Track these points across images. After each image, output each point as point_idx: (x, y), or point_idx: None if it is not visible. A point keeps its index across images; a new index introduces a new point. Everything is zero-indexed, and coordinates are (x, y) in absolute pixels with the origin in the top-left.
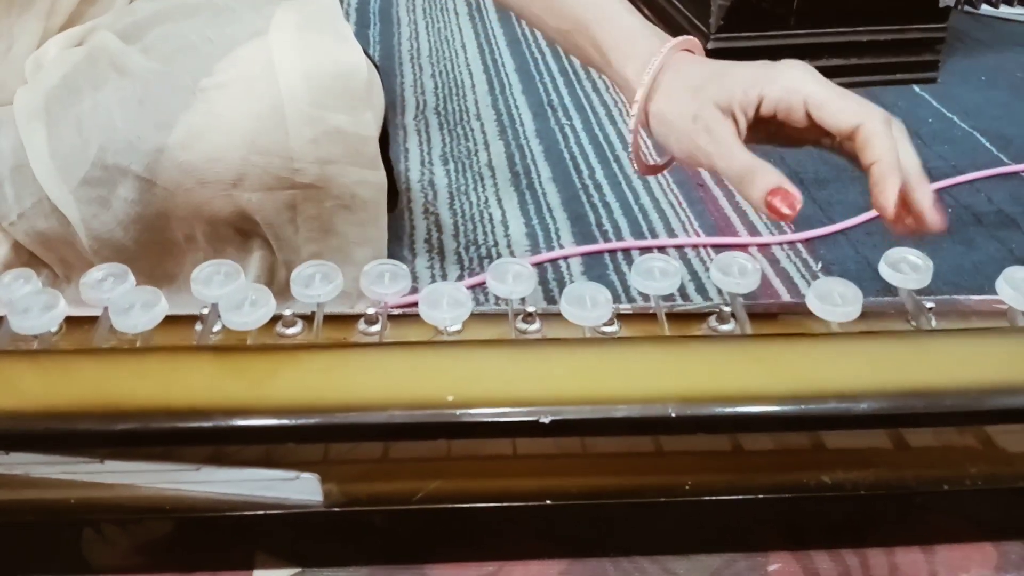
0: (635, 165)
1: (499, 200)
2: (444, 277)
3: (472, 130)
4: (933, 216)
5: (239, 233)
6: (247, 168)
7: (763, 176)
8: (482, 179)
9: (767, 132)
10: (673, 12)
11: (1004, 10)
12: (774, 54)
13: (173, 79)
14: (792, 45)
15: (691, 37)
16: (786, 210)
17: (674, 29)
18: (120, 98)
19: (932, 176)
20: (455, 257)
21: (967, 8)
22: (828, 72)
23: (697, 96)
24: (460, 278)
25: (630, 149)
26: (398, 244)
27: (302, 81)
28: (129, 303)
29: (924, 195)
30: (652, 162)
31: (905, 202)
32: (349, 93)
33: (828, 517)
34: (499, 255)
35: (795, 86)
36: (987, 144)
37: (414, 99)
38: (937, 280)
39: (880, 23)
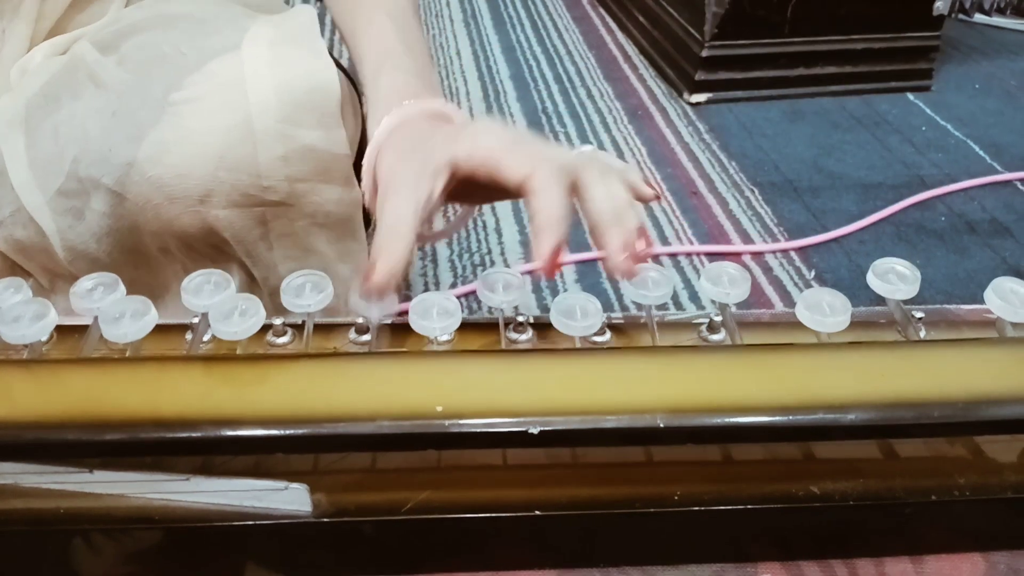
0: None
1: (492, 207)
2: (437, 285)
3: None
4: (617, 263)
5: (213, 248)
6: (215, 184)
7: (376, 244)
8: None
9: (473, 189)
10: (668, 20)
11: (997, 19)
12: (769, 62)
13: (145, 91)
14: (787, 53)
15: (445, 104)
16: (363, 285)
17: (669, 37)
18: (95, 109)
19: (925, 184)
20: (448, 265)
21: (961, 16)
22: (822, 80)
23: (404, 160)
24: (453, 286)
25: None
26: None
27: (273, 96)
28: (119, 312)
29: (612, 240)
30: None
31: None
32: (322, 110)
33: (817, 527)
34: (492, 262)
35: (476, 143)
36: (980, 152)
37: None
38: (930, 288)
39: (874, 31)
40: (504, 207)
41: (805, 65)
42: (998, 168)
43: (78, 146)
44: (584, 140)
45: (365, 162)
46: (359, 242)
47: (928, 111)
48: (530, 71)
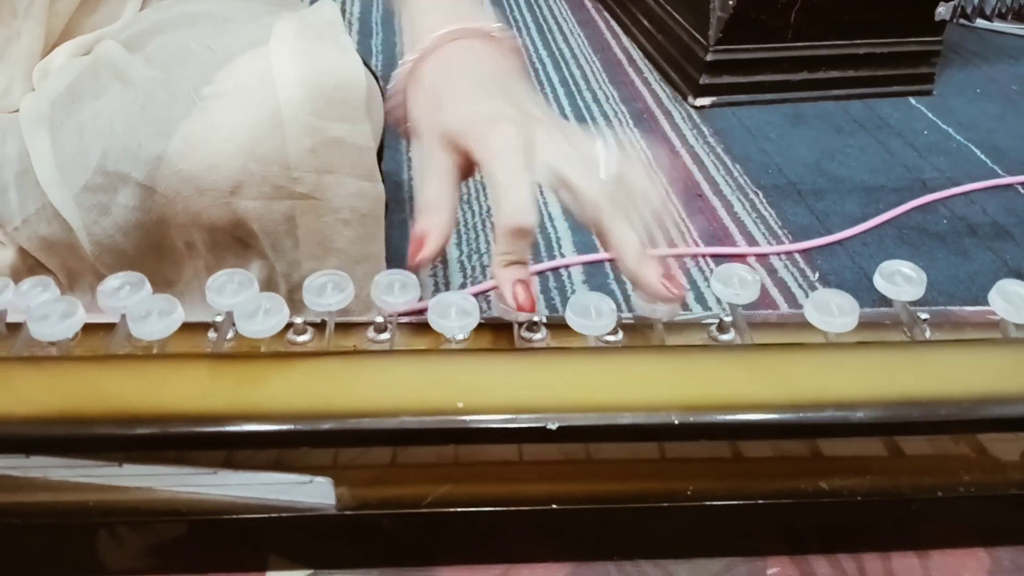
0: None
1: None
2: (447, 285)
3: None
4: (659, 293)
5: (238, 242)
6: (245, 176)
7: (423, 218)
8: (482, 189)
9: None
10: (673, 24)
11: (999, 23)
12: (773, 66)
13: (173, 87)
14: (790, 57)
15: (499, 26)
16: (411, 256)
17: (674, 41)
18: (122, 105)
19: (927, 187)
20: (458, 265)
21: (962, 21)
22: (825, 84)
23: (435, 111)
24: (463, 285)
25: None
26: (401, 252)
27: (300, 90)
28: (146, 311)
29: (649, 276)
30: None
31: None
32: (348, 104)
33: (826, 523)
34: None
35: (492, 148)
36: (982, 156)
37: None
38: (932, 290)
39: (877, 36)
40: None
41: (808, 69)
42: (999, 172)
43: (105, 142)
44: None
45: (392, 92)
46: (378, 244)
47: (930, 115)
48: (536, 74)
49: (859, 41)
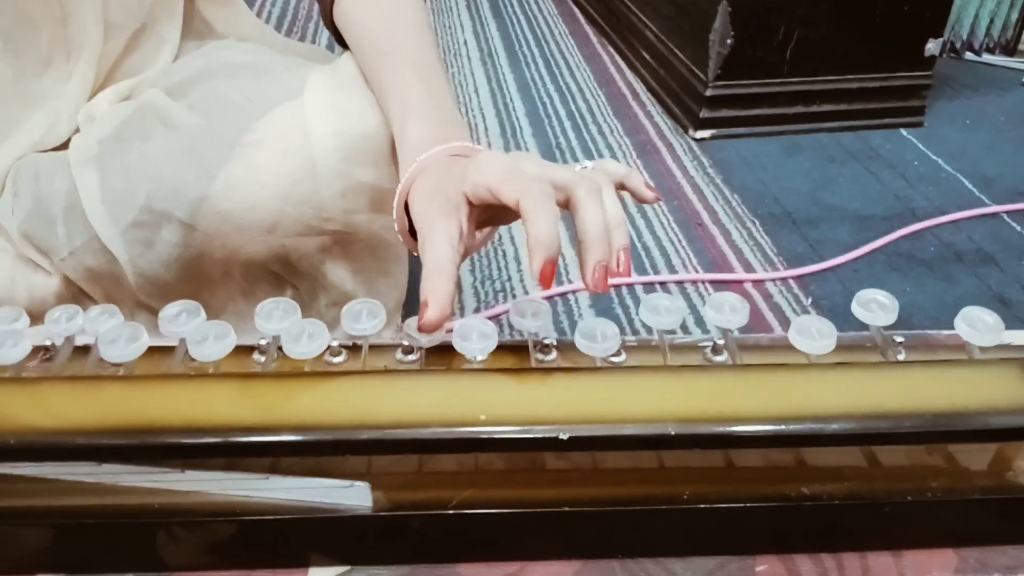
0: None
1: (511, 238)
2: (462, 310)
3: None
4: (588, 280)
5: (271, 274)
6: (281, 217)
7: (426, 283)
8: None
9: (499, 212)
10: (674, 60)
11: (987, 56)
12: (769, 100)
13: (216, 134)
14: (786, 92)
15: (469, 145)
16: (420, 323)
17: (675, 76)
18: (167, 149)
19: (916, 216)
20: (472, 291)
21: (951, 55)
22: (819, 117)
23: (427, 206)
24: (477, 310)
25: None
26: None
27: (333, 139)
28: (203, 335)
29: (589, 256)
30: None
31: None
32: (374, 151)
33: (808, 524)
34: (512, 289)
35: (478, 177)
36: (969, 185)
37: None
38: (920, 314)
39: (869, 71)
40: (522, 238)
41: (803, 103)
42: (986, 200)
43: (151, 183)
44: None
45: (395, 210)
46: (402, 266)
47: (920, 146)
48: (544, 108)
49: (852, 76)
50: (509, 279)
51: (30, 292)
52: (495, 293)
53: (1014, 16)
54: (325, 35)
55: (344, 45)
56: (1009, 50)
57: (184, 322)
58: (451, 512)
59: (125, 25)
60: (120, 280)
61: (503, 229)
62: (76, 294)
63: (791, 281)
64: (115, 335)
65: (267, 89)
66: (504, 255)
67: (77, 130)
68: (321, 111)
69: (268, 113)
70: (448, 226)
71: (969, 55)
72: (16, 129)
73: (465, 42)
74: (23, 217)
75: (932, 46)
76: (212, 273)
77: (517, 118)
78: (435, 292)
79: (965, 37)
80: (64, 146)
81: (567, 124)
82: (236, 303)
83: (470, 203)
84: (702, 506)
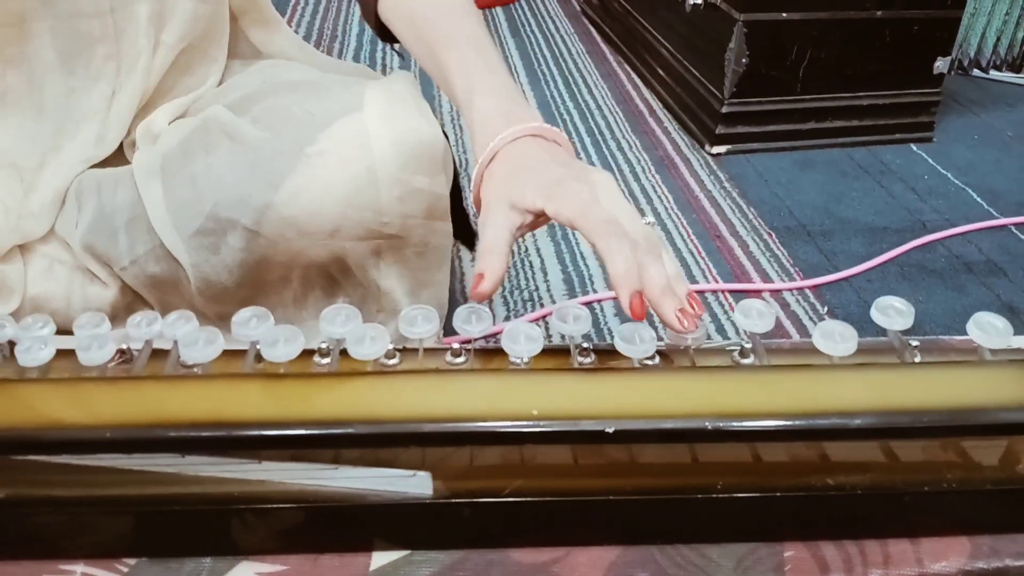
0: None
1: (537, 250)
2: (493, 317)
3: None
4: (675, 321)
5: (326, 276)
6: (343, 221)
7: (482, 259)
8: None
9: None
10: (690, 78)
11: (994, 73)
12: (783, 117)
13: (279, 145)
14: (799, 109)
15: (548, 127)
16: (473, 292)
17: (691, 94)
18: (232, 161)
19: (927, 228)
20: (501, 301)
21: (959, 72)
22: (832, 133)
23: (500, 190)
24: (507, 318)
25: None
26: (453, 290)
27: (392, 149)
28: (274, 338)
29: (667, 309)
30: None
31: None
32: (429, 160)
33: (832, 513)
34: (540, 298)
35: (561, 208)
36: (978, 199)
37: (456, 158)
38: (931, 322)
39: (879, 88)
40: (548, 250)
41: (816, 119)
42: (994, 213)
43: (217, 192)
44: None
45: (473, 182)
46: (444, 274)
47: (930, 160)
48: (564, 125)
49: (863, 93)
50: (536, 289)
51: (85, 303)
52: (523, 302)
53: (1020, 34)
54: (349, 53)
55: (384, 37)
56: (1016, 67)
57: (255, 326)
58: (503, 500)
59: (174, 45)
60: (178, 286)
61: (530, 243)
62: (129, 304)
63: (807, 291)
64: (194, 338)
65: (327, 104)
66: (531, 266)
67: (133, 144)
68: (380, 123)
69: (329, 126)
70: (511, 216)
71: (977, 72)
72: (68, 142)
73: None
74: (85, 229)
75: (941, 64)
76: (270, 278)
77: None
78: (491, 267)
79: (973, 55)
80: (117, 159)
81: (587, 140)
82: (287, 310)
83: (540, 214)
84: (734, 496)
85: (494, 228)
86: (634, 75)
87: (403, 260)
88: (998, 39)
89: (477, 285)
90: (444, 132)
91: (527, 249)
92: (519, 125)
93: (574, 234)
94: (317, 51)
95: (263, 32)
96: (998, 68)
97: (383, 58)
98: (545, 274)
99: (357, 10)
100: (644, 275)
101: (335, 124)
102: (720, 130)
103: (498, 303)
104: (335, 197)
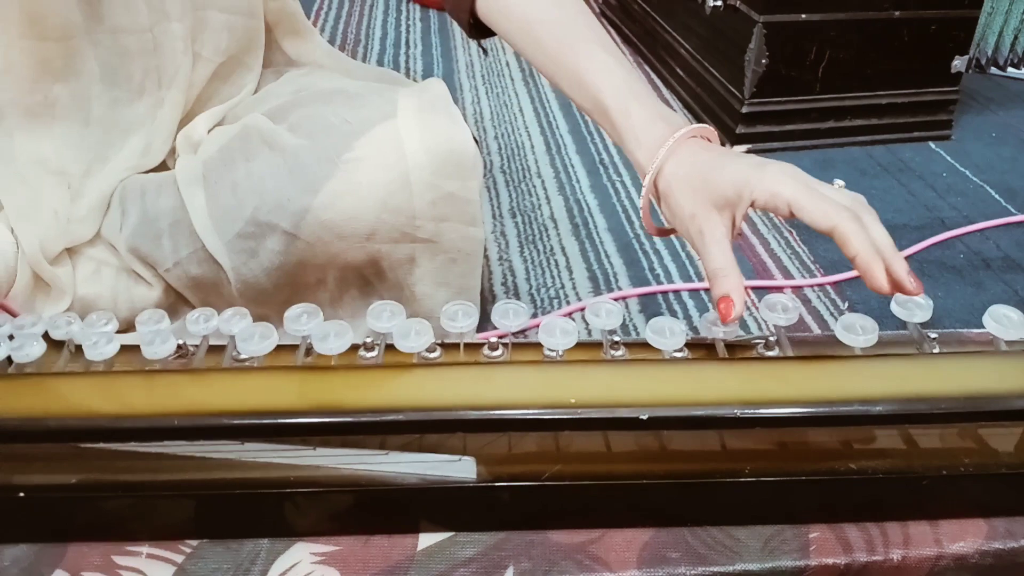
0: (646, 227)
1: (562, 248)
2: (532, 312)
3: (535, 187)
4: (909, 283)
5: (361, 278)
6: (379, 224)
7: (722, 282)
8: (546, 230)
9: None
10: (711, 79)
11: (1012, 71)
12: (803, 116)
13: (317, 153)
14: (818, 108)
15: (701, 125)
16: (723, 317)
17: (712, 94)
18: (271, 167)
19: (945, 225)
20: (528, 298)
21: (977, 71)
22: (851, 131)
23: (696, 196)
24: (534, 315)
25: (641, 215)
26: (483, 289)
27: (425, 156)
28: (325, 333)
29: (899, 268)
30: (661, 227)
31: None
32: (460, 165)
33: (855, 496)
34: (565, 296)
35: (778, 190)
36: (996, 196)
37: (482, 159)
38: (950, 317)
39: (898, 87)
40: (573, 249)
41: (835, 118)
42: (1012, 210)
43: (257, 197)
44: (639, 188)
45: (645, 186)
46: (475, 280)
47: (948, 158)
48: (586, 125)
49: (882, 92)
50: (562, 287)
51: (131, 303)
52: (549, 300)
53: None
54: (373, 57)
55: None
56: None
57: (306, 322)
58: (542, 484)
59: (213, 58)
60: (219, 287)
61: (555, 242)
62: (173, 304)
63: (828, 287)
64: (250, 333)
65: (362, 112)
66: (557, 265)
67: (173, 151)
68: (413, 130)
69: (365, 133)
70: (723, 220)
71: (994, 71)
72: (115, 153)
73: (507, 63)
74: (130, 232)
75: (958, 63)
76: (307, 280)
77: (561, 135)
78: (734, 288)
79: (990, 53)
80: (162, 166)
81: (609, 141)
82: (323, 308)
83: (749, 204)
84: (761, 480)
85: (716, 245)
86: (654, 76)
87: (437, 267)
88: (1015, 38)
89: (729, 311)
90: (475, 138)
91: (551, 247)
92: (684, 128)
93: (597, 232)
94: (346, 57)
95: (296, 41)
96: (1016, 66)
97: (406, 62)
98: (570, 272)
99: (379, 15)
100: (876, 241)
101: (370, 132)
102: (740, 130)
103: (525, 301)
104: (371, 202)
